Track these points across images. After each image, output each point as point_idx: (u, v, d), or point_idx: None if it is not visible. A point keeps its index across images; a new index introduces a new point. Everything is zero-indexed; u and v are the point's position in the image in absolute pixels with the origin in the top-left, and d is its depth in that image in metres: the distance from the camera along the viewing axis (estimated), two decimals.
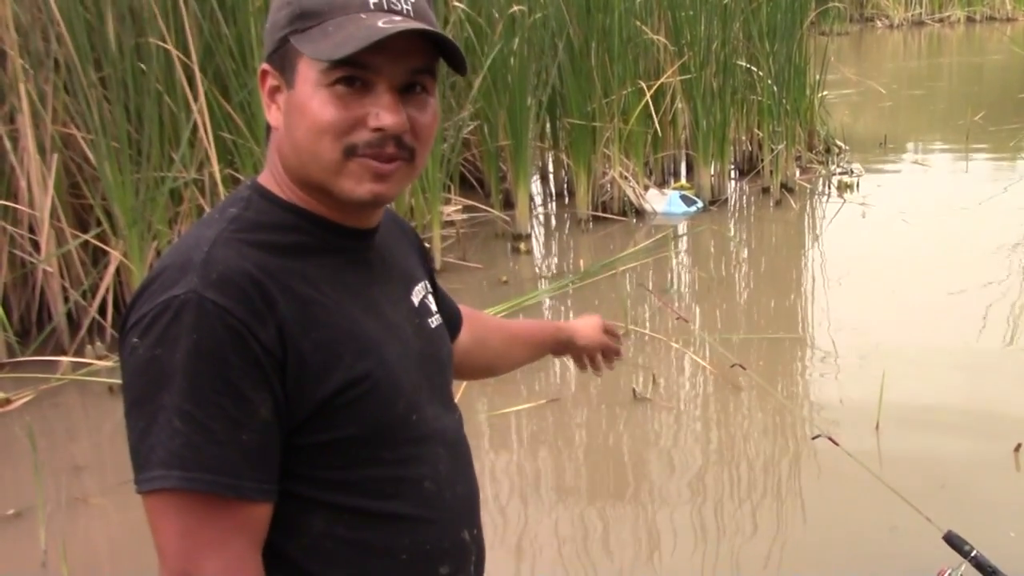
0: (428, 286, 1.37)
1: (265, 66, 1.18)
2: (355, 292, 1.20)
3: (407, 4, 1.14)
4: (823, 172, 7.85)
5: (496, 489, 3.50)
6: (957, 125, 9.43)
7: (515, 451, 3.86)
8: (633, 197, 6.88)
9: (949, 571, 2.20)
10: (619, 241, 6.32)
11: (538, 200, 7.42)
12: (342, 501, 1.16)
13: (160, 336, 1.06)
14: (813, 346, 4.71)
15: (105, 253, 4.85)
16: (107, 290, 4.80)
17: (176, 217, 5.03)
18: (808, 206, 7.18)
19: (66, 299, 4.84)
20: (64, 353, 4.61)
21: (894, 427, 3.70)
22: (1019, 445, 3.52)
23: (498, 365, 1.72)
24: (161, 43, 4.74)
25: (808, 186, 7.50)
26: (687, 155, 7.73)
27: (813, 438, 3.32)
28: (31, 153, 4.70)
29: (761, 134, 7.51)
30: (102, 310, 4.78)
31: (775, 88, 7.28)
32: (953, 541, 2.24)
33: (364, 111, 1.12)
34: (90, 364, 4.49)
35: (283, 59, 1.15)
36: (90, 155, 4.81)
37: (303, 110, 1.13)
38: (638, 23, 6.97)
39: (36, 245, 4.80)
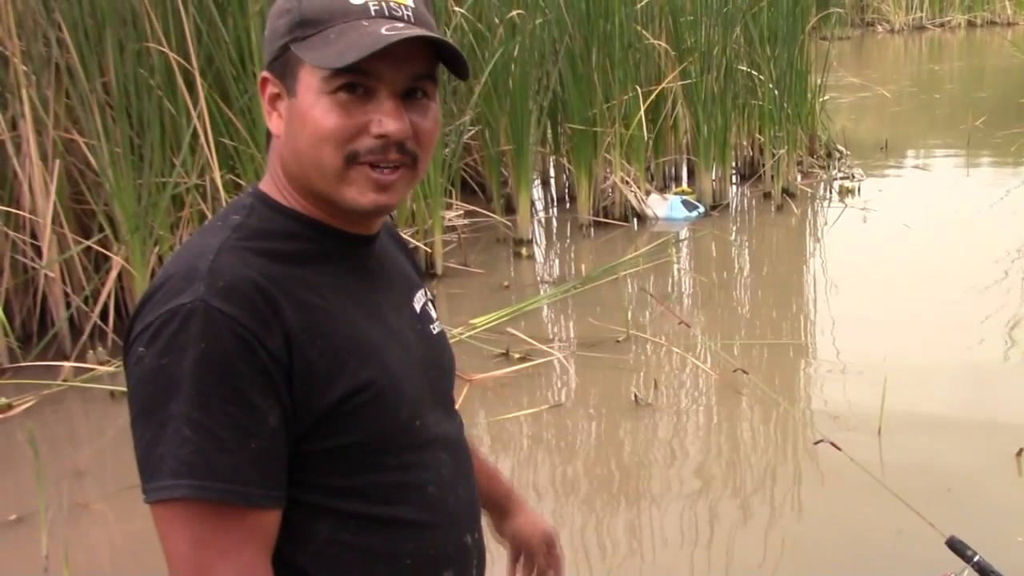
0: (428, 293, 1.37)
1: (265, 74, 1.17)
2: (358, 299, 1.20)
3: (408, 10, 1.15)
4: (824, 177, 7.85)
5: None
6: (958, 130, 9.43)
7: (517, 456, 3.86)
8: (634, 202, 6.88)
9: None
10: (620, 246, 6.32)
11: (539, 205, 7.42)
12: (347, 507, 1.16)
13: (167, 345, 1.06)
14: (815, 351, 4.70)
15: (107, 259, 4.86)
16: (109, 295, 4.80)
17: (178, 223, 5.03)
18: (809, 211, 7.19)
19: (68, 304, 4.84)
20: (66, 358, 4.61)
21: (896, 432, 3.70)
22: (1021, 450, 3.51)
23: None
24: (162, 48, 4.75)
25: (809, 191, 7.50)
26: (688, 160, 7.74)
27: (815, 443, 3.32)
28: (33, 159, 4.71)
29: (762, 139, 7.51)
30: (104, 315, 4.78)
31: (776, 93, 7.28)
32: (955, 546, 2.23)
33: (366, 118, 1.12)
34: (92, 369, 4.49)
35: (284, 67, 1.15)
36: (92, 161, 4.82)
37: (305, 118, 1.12)
38: (639, 28, 6.98)
39: (38, 250, 4.80)
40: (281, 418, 1.09)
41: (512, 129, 6.36)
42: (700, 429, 4.00)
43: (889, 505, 2.55)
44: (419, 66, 1.14)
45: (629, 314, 4.97)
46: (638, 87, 6.86)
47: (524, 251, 6.30)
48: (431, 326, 1.33)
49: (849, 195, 7.33)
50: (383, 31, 1.09)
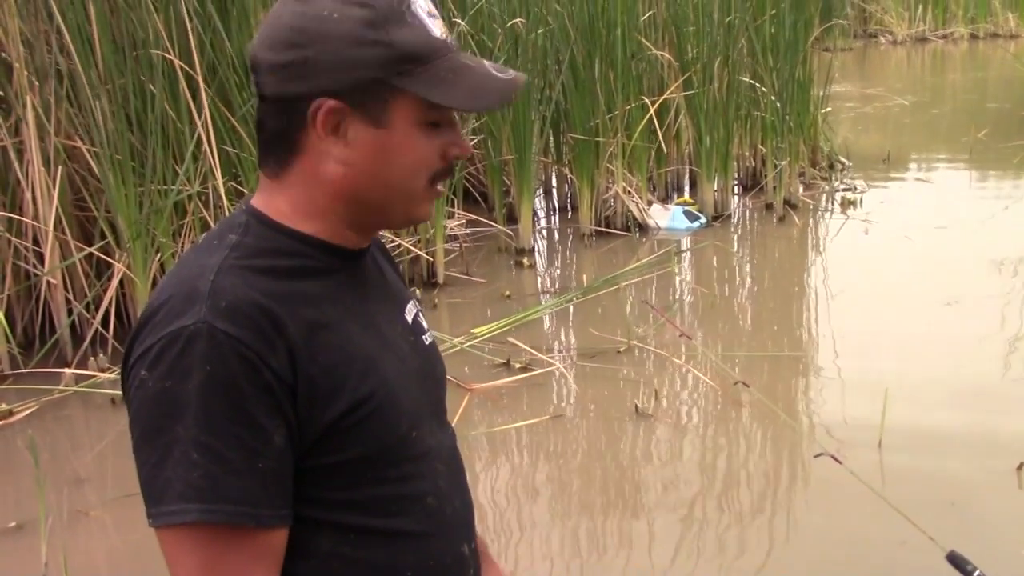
0: (418, 304, 1.38)
1: (335, 103, 1.13)
2: (354, 312, 1.21)
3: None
4: (826, 188, 7.85)
5: (498, 504, 3.50)
6: (960, 142, 9.44)
7: (517, 467, 3.86)
8: (636, 212, 6.88)
9: None
10: (622, 256, 6.32)
11: (541, 215, 7.42)
12: (349, 521, 1.16)
13: (170, 368, 1.06)
14: (815, 364, 4.70)
15: (109, 265, 4.86)
16: (110, 302, 4.80)
17: (180, 230, 5.04)
18: (811, 222, 7.18)
19: (69, 311, 4.85)
20: (67, 365, 4.61)
21: (897, 445, 3.69)
22: (1022, 464, 3.51)
23: None
24: (166, 55, 4.76)
25: (811, 202, 7.50)
26: (690, 170, 7.74)
27: (816, 456, 3.31)
28: (36, 165, 4.72)
29: (765, 150, 7.51)
30: (105, 322, 4.79)
31: (779, 104, 7.29)
32: (956, 560, 2.23)
33: (441, 142, 1.18)
34: (93, 376, 4.49)
35: (370, 95, 1.13)
36: (95, 167, 4.82)
37: (403, 150, 1.15)
38: (642, 39, 6.99)
39: (40, 257, 4.81)
40: (287, 437, 1.10)
41: (514, 139, 6.37)
42: (700, 440, 4.00)
43: (889, 519, 2.55)
44: None
45: (630, 325, 4.97)
46: (641, 97, 6.87)
47: (526, 260, 6.31)
48: (423, 336, 1.34)
49: (851, 207, 7.33)
50: (494, 73, 1.17)
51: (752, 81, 7.37)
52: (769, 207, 7.30)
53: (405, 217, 1.22)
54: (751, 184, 7.78)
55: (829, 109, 8.44)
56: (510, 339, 4.83)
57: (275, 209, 1.19)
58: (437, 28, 1.16)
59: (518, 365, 4.56)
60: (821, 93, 8.03)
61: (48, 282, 4.81)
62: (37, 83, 4.73)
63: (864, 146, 9.35)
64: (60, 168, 4.76)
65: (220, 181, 4.90)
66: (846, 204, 7.39)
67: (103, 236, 4.89)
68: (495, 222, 6.54)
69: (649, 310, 5.23)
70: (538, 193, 7.40)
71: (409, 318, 1.32)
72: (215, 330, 1.06)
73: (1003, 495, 3.43)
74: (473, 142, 6.58)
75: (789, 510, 3.45)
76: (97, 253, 4.89)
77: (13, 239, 4.78)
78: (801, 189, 7.61)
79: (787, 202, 7.29)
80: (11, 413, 4.26)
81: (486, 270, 6.14)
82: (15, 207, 4.82)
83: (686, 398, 4.40)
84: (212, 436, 1.05)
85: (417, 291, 5.62)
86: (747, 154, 7.81)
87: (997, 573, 2.23)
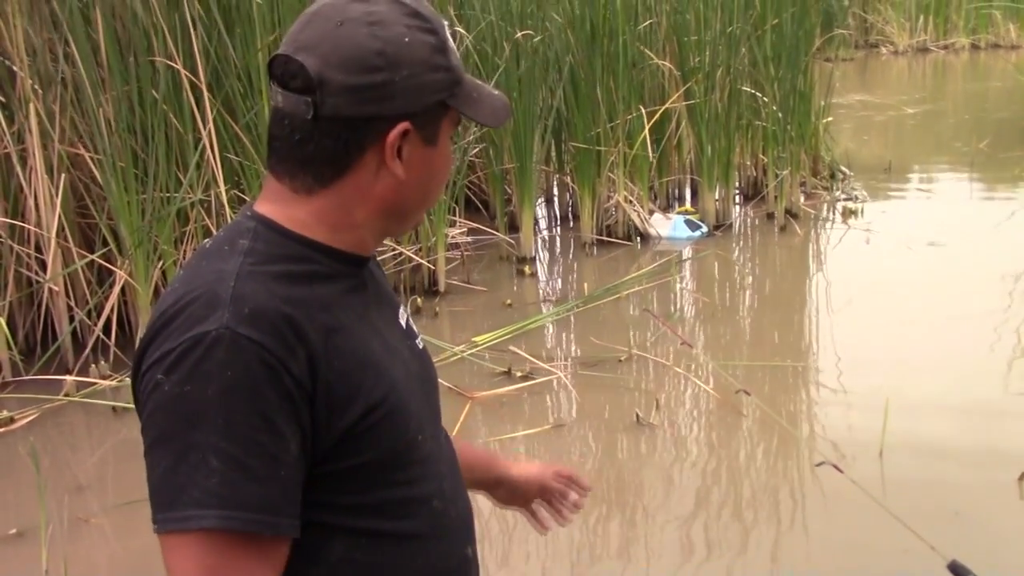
0: (407, 309, 1.40)
1: (406, 124, 1.16)
2: (361, 317, 1.22)
3: None
4: (828, 198, 7.86)
5: (497, 512, 3.50)
6: (962, 152, 9.45)
7: None
8: (637, 221, 6.89)
9: None
10: (623, 265, 6.33)
11: (542, 223, 7.43)
12: (360, 525, 1.17)
13: (189, 372, 1.05)
14: (816, 373, 4.70)
15: (111, 273, 4.87)
16: (112, 310, 4.81)
17: (182, 237, 5.05)
18: (812, 232, 7.19)
19: (71, 318, 4.85)
20: (68, 372, 4.62)
21: (898, 455, 3.69)
22: (1023, 475, 3.51)
23: None
24: (171, 63, 4.78)
25: (813, 212, 7.51)
26: (692, 180, 7.75)
27: (817, 465, 3.32)
28: (39, 173, 4.73)
29: (766, 159, 7.52)
30: (107, 330, 4.79)
31: (780, 114, 7.30)
32: (957, 570, 2.23)
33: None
34: (94, 384, 4.50)
35: (430, 118, 1.19)
36: (97, 175, 4.83)
37: (444, 163, 1.24)
38: (643, 48, 7.00)
39: (42, 264, 4.82)
40: (301, 445, 1.10)
41: (516, 147, 6.38)
42: (701, 449, 4.00)
43: (890, 528, 2.55)
44: None
45: (631, 333, 4.97)
46: (642, 107, 6.88)
47: (527, 269, 6.31)
48: (417, 341, 1.35)
49: (852, 216, 7.33)
50: (493, 92, 1.27)
51: (753, 91, 7.38)
52: (770, 216, 7.30)
53: (417, 221, 1.30)
54: (752, 193, 7.78)
55: (830, 119, 8.45)
56: (511, 347, 4.83)
57: (289, 218, 1.18)
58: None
59: (519, 374, 4.56)
60: (822, 103, 8.04)
61: (50, 289, 4.81)
62: (41, 91, 4.75)
63: (865, 156, 9.36)
64: (63, 175, 4.77)
65: (223, 189, 4.91)
66: (847, 214, 7.39)
67: (105, 243, 4.90)
68: (496, 230, 6.55)
69: (650, 319, 5.23)
70: (539, 202, 7.40)
71: (403, 322, 1.34)
72: (238, 336, 1.06)
73: (1004, 505, 3.43)
74: (475, 151, 6.60)
75: (790, 519, 3.45)
76: (99, 260, 4.90)
77: (15, 246, 4.79)
78: (802, 199, 7.61)
79: (788, 211, 7.30)
80: (12, 420, 4.26)
81: (487, 278, 6.14)
82: (18, 214, 4.83)
83: (687, 407, 4.40)
84: (233, 443, 1.04)
85: (418, 299, 5.63)
86: (748, 163, 7.82)
87: None
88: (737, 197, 7.78)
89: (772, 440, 3.97)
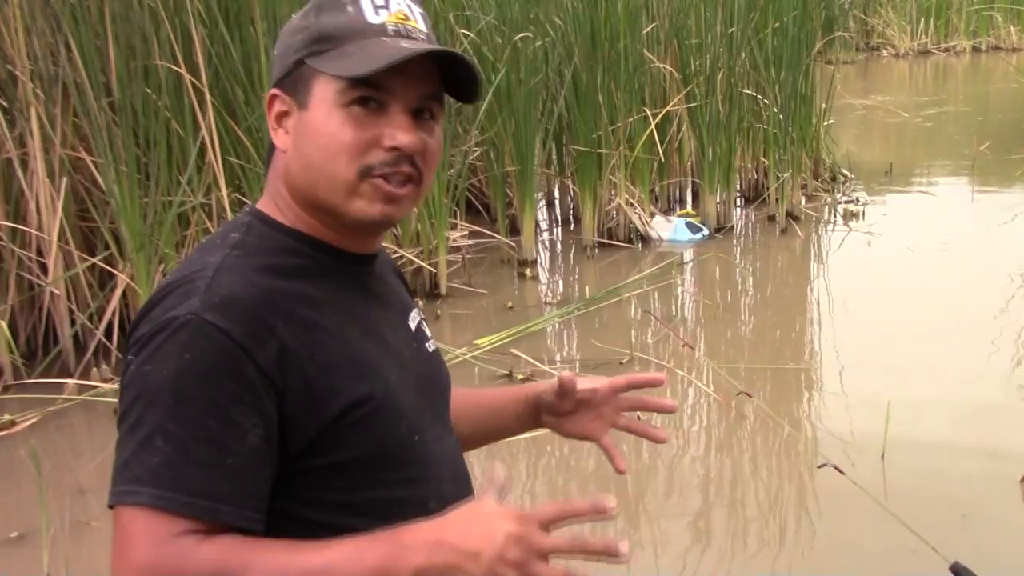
0: (421, 312, 1.39)
1: (275, 91, 1.19)
2: (355, 316, 1.21)
3: (422, 34, 1.18)
4: (829, 200, 7.86)
5: None
6: (963, 154, 9.44)
7: (519, 477, 3.85)
8: (639, 224, 6.89)
9: None
10: (624, 268, 6.33)
11: (544, 226, 7.43)
12: (350, 523, 1.15)
13: (151, 353, 1.07)
14: (818, 375, 4.70)
15: (112, 276, 4.87)
16: (113, 313, 4.81)
17: (183, 241, 5.05)
18: (814, 234, 7.19)
19: (73, 321, 4.85)
20: (70, 375, 4.62)
21: (900, 457, 3.69)
22: None
23: (473, 437, 1.52)
24: (173, 66, 4.78)
25: (814, 214, 7.51)
26: (693, 182, 7.75)
27: (819, 467, 3.31)
28: (40, 176, 4.73)
29: (767, 162, 7.52)
30: (108, 333, 4.79)
31: (781, 116, 7.30)
32: (959, 571, 2.23)
33: (379, 131, 1.14)
34: (95, 387, 4.50)
35: (296, 82, 1.17)
36: (99, 179, 4.84)
37: (319, 130, 1.15)
38: (644, 51, 7.00)
39: (44, 267, 4.82)
40: (264, 437, 1.09)
41: (517, 150, 6.38)
42: (703, 451, 4.00)
43: (893, 529, 2.55)
44: (429, 87, 1.17)
45: (633, 336, 4.97)
46: (643, 109, 6.88)
47: (528, 272, 6.31)
48: (426, 344, 1.34)
49: (853, 219, 7.33)
50: (403, 44, 1.13)
51: (755, 93, 7.39)
52: (772, 219, 7.30)
53: (346, 211, 1.16)
54: (753, 196, 7.78)
55: (831, 121, 8.45)
56: (512, 350, 4.83)
57: (270, 208, 1.22)
58: (381, 15, 1.16)
59: (521, 376, 4.55)
60: (823, 105, 8.05)
61: (51, 293, 4.81)
62: (42, 95, 4.75)
63: (866, 158, 9.36)
64: (64, 179, 4.77)
65: (224, 192, 4.91)
66: (848, 216, 7.39)
67: (106, 247, 4.90)
68: (498, 233, 6.55)
69: (652, 321, 5.23)
70: (540, 204, 7.41)
71: (412, 325, 1.33)
72: (204, 322, 1.07)
73: (1007, 507, 3.42)
74: (476, 153, 6.60)
75: (792, 520, 3.44)
76: (100, 264, 4.90)
77: (17, 249, 4.79)
78: (803, 201, 7.61)
79: (789, 214, 7.30)
80: (13, 423, 4.26)
81: (488, 281, 6.14)
82: (19, 217, 4.83)
83: (689, 409, 4.39)
84: (180, 425, 1.05)
85: (420, 302, 5.63)
86: (749, 166, 7.82)
87: None
88: (738, 200, 7.78)
89: (774, 442, 3.97)
